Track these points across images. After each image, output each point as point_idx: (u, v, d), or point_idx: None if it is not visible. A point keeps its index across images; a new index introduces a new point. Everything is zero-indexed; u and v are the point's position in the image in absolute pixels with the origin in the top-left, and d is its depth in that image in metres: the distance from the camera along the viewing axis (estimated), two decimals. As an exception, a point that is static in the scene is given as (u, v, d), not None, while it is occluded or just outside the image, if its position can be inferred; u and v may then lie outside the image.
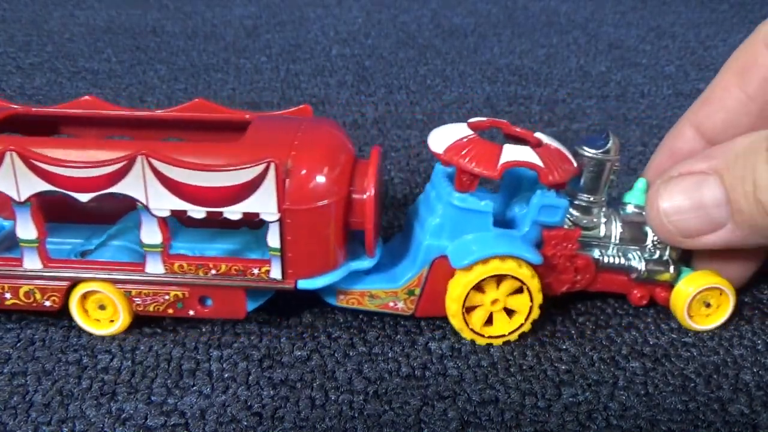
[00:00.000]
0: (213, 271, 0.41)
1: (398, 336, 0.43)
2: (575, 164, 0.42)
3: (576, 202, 0.43)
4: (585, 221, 0.43)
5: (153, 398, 0.38)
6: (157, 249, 0.40)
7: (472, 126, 0.43)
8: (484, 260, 0.40)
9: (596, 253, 0.44)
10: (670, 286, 0.44)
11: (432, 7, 1.24)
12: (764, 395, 0.39)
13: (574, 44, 1.04)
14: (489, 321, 0.42)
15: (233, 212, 0.39)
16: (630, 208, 0.44)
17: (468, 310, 0.42)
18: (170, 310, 0.42)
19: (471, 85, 0.87)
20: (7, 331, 0.43)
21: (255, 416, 0.37)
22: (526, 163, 0.40)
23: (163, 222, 0.40)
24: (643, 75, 0.91)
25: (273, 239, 0.39)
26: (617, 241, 0.44)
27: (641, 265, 0.43)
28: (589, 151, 0.42)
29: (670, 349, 0.42)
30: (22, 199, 0.39)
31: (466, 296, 0.41)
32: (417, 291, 0.42)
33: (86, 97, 0.45)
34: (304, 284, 0.41)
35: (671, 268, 0.43)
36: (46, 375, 0.39)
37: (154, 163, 0.38)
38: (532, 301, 0.42)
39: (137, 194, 0.39)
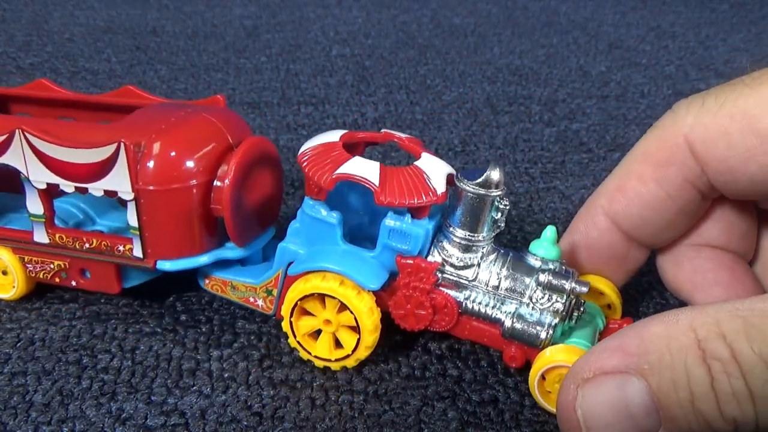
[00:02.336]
0: (86, 245, 0.42)
1: (398, 336, 0.43)
2: (438, 193, 0.38)
3: (453, 237, 0.39)
4: (456, 258, 0.39)
5: (153, 398, 0.38)
6: (40, 219, 0.42)
7: (347, 137, 0.41)
8: (319, 273, 0.38)
9: (462, 296, 0.39)
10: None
11: (432, 7, 1.23)
12: (764, 395, 0.39)
13: (574, 44, 1.04)
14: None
15: (96, 189, 0.40)
16: (530, 259, 0.39)
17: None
18: (57, 279, 0.44)
19: (471, 85, 0.87)
20: (7, 331, 0.43)
21: (255, 416, 0.37)
22: (359, 179, 0.37)
23: (43, 194, 0.42)
24: (643, 75, 0.91)
25: (132, 218, 0.40)
26: (489, 288, 0.39)
27: (508, 321, 0.38)
28: (464, 184, 0.37)
29: (670, 349, 0.42)
30: None
31: (297, 303, 0.39)
32: (275, 292, 0.41)
33: (37, 80, 0.48)
34: (163, 265, 0.41)
35: (543, 333, 0.37)
36: (46, 375, 0.39)
37: (29, 137, 0.40)
38: (359, 338, 0.38)
39: (19, 166, 0.41)
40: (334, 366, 0.40)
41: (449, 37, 1.07)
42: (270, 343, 0.42)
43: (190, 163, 0.39)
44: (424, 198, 0.37)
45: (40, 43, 0.97)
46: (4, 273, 0.45)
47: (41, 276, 0.44)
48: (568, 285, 0.37)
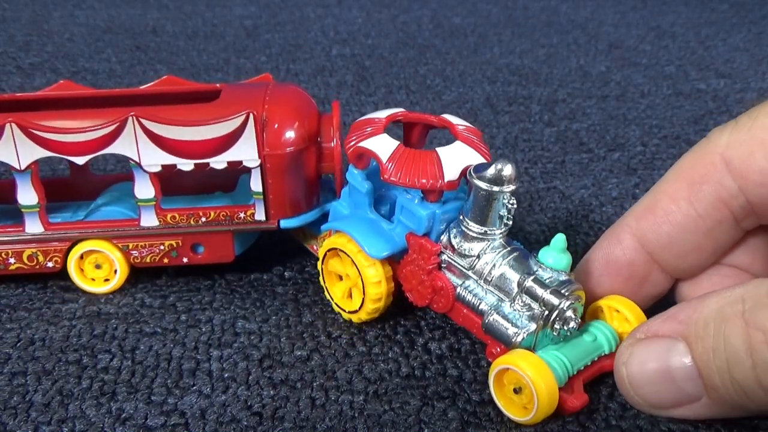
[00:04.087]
0: (203, 219, 0.45)
1: (398, 336, 0.43)
2: (446, 180, 0.39)
3: (461, 226, 0.39)
4: (459, 246, 0.39)
5: (153, 398, 0.38)
6: (150, 203, 0.44)
7: (398, 116, 0.44)
8: (340, 233, 0.42)
9: (460, 283, 0.40)
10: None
11: (432, 7, 1.24)
12: (764, 395, 0.39)
13: (574, 44, 1.04)
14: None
15: (219, 162, 0.43)
16: (532, 263, 0.38)
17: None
18: (165, 260, 0.46)
19: (471, 85, 0.87)
20: (7, 331, 0.43)
21: (255, 416, 0.37)
22: (372, 153, 0.40)
23: (155, 177, 0.43)
24: (643, 75, 0.91)
25: (256, 184, 0.44)
26: (480, 281, 0.39)
27: (488, 317, 0.38)
28: (472, 176, 0.38)
29: (670, 349, 0.42)
30: (23, 167, 0.42)
31: (325, 254, 0.43)
32: None
33: (61, 82, 0.48)
34: (285, 223, 0.46)
35: (515, 334, 0.37)
36: (46, 375, 0.39)
37: (144, 122, 0.41)
38: (363, 294, 0.41)
39: (130, 153, 0.42)
40: (354, 318, 0.43)
41: (449, 37, 1.07)
42: (270, 343, 0.42)
43: (302, 127, 0.44)
44: (428, 182, 0.39)
45: (40, 43, 0.97)
46: (98, 267, 0.45)
47: (148, 260, 0.45)
48: (541, 293, 0.36)
